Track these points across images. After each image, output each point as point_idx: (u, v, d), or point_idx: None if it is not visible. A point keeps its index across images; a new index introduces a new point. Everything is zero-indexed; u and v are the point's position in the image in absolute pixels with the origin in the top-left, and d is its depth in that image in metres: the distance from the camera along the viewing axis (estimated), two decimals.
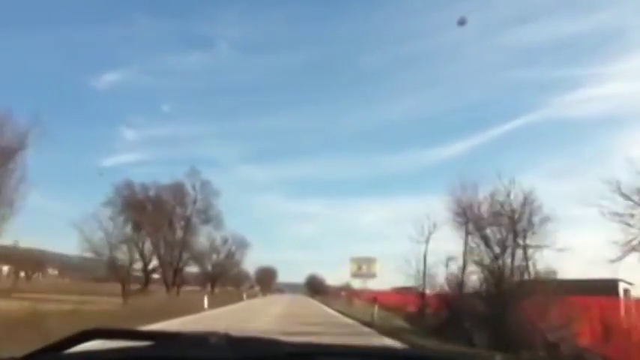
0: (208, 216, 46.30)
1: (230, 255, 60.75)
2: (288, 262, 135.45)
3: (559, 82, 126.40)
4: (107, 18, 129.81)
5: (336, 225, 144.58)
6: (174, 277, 42.63)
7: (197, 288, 61.22)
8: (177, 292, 42.17)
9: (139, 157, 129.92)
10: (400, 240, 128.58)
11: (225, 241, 59.33)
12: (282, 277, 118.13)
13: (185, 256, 46.97)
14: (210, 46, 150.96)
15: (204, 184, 45.76)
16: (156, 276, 55.07)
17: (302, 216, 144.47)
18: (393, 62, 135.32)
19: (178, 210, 44.19)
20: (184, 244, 43.45)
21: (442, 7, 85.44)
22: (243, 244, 62.59)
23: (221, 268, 58.76)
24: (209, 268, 57.92)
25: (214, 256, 58.34)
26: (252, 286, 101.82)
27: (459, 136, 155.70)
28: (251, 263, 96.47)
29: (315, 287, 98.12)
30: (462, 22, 15.83)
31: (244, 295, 55.82)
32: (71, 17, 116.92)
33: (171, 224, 42.22)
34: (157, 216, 41.24)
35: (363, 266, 40.64)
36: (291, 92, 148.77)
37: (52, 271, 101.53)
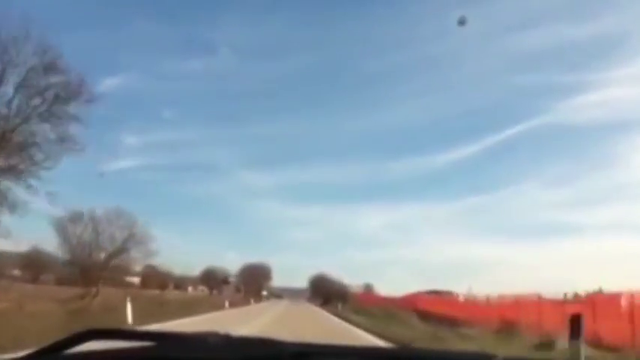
0: None
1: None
2: (287, 265, 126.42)
3: (562, 88, 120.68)
4: (108, 22, 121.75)
5: (338, 230, 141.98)
6: None
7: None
8: None
9: (140, 162, 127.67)
10: (403, 245, 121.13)
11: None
12: (281, 282, 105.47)
13: None
14: (212, 51, 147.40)
15: None
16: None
17: (303, 221, 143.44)
18: (394, 67, 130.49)
19: None
20: None
21: (444, 12, 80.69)
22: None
23: None
24: None
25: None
26: (238, 290, 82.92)
27: (461, 142, 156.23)
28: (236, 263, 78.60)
29: (325, 291, 72.04)
30: (461, 22, 15.36)
31: (128, 310, 17.23)
32: (72, 21, 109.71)
33: None
34: None
35: None
36: (292, 97, 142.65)
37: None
